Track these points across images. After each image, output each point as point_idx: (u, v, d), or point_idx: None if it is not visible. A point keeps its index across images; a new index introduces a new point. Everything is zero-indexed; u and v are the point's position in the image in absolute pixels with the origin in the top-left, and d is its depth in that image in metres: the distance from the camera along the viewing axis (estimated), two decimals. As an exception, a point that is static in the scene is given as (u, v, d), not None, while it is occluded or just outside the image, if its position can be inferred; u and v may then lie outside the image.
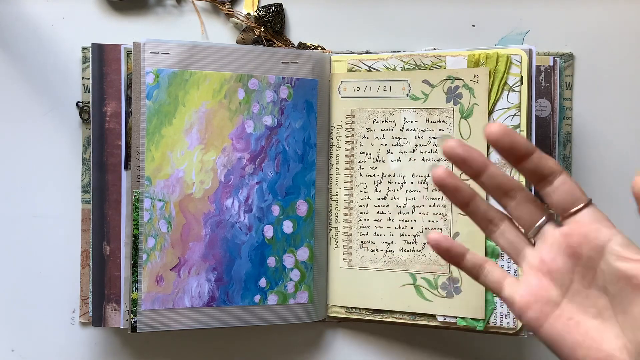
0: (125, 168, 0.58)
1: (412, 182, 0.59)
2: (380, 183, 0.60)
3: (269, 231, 0.59)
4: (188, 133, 0.58)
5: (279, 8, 0.63)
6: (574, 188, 0.36)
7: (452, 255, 0.40)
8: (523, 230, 0.39)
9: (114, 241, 0.59)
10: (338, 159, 0.61)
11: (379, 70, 0.60)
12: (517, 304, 0.38)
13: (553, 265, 0.37)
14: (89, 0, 0.63)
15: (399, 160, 0.59)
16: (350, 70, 0.61)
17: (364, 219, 0.60)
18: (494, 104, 0.57)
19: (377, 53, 0.62)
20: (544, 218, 0.38)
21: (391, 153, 0.59)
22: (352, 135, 0.61)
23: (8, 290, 0.62)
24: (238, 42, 0.63)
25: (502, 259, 0.56)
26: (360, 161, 0.60)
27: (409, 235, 0.59)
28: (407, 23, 0.64)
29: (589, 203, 0.36)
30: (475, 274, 0.40)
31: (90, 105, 0.59)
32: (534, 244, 0.38)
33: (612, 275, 0.35)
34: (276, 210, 0.60)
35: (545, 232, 0.38)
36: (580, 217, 0.36)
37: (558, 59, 0.61)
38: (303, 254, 0.60)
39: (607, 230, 0.35)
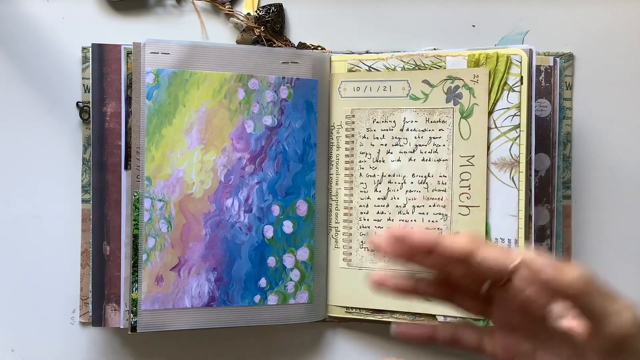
0: (125, 168, 0.58)
1: (412, 182, 0.59)
2: (380, 183, 0.60)
3: (269, 231, 0.59)
4: (188, 133, 0.58)
5: (279, 8, 0.63)
6: (496, 257, 0.35)
7: (424, 340, 0.39)
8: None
9: (114, 241, 0.59)
10: (338, 159, 0.61)
11: (379, 70, 0.60)
12: None
13: (513, 321, 0.37)
14: (89, 0, 0.63)
15: (399, 160, 0.59)
16: (350, 70, 0.61)
17: (364, 219, 0.60)
18: (494, 104, 0.57)
19: (377, 53, 0.62)
20: (487, 282, 0.37)
21: (391, 153, 0.59)
22: (352, 135, 0.61)
23: (8, 290, 0.62)
24: (238, 42, 0.63)
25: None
26: (360, 161, 0.60)
27: (409, 235, 0.59)
28: (407, 23, 0.64)
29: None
30: (454, 344, 0.39)
31: (90, 105, 0.59)
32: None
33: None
34: (276, 210, 0.59)
35: (495, 295, 0.37)
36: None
37: (558, 59, 0.61)
38: (303, 254, 0.60)
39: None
